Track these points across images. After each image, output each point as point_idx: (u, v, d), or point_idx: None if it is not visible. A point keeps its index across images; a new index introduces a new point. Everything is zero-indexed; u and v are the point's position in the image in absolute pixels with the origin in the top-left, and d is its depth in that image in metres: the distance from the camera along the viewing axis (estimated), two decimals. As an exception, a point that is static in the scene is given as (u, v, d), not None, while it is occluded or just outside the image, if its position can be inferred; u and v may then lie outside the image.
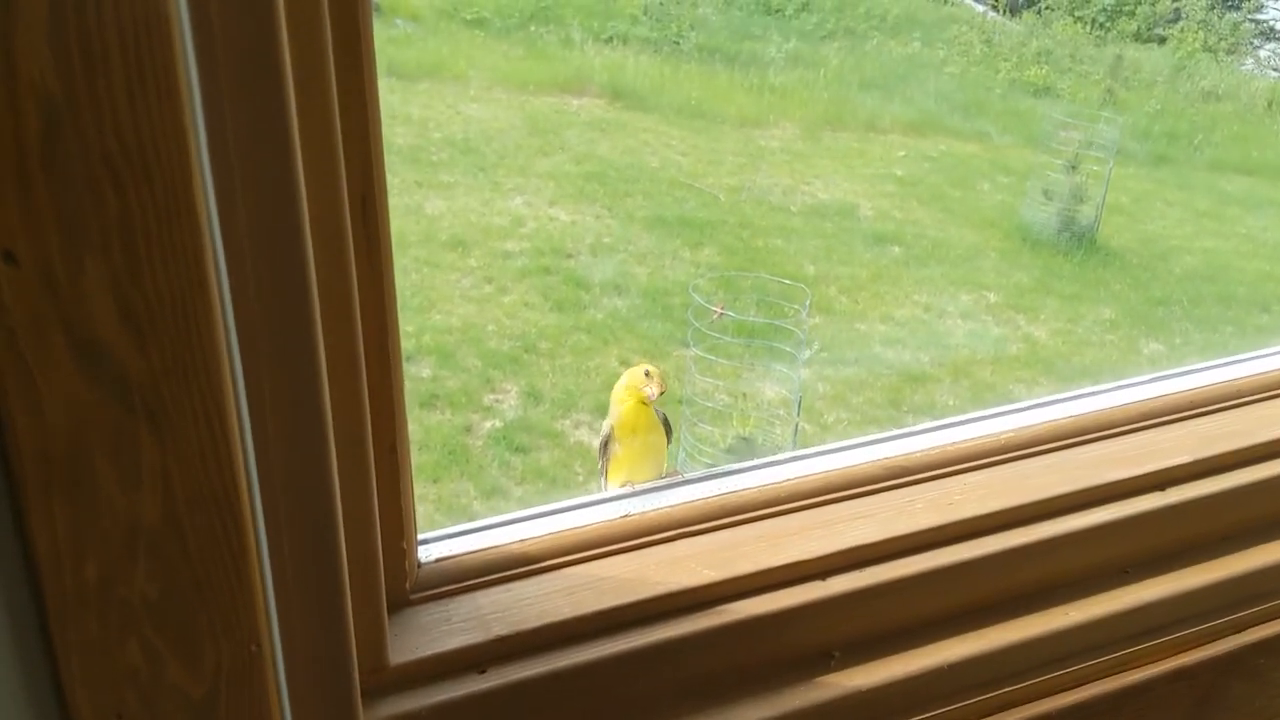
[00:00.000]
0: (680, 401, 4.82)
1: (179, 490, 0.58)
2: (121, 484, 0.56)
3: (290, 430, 0.64)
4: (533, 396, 4.98)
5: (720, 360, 5.02)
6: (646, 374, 1.24)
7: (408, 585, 0.82)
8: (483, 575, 0.85)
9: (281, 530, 0.65)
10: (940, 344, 5.84)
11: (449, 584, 0.84)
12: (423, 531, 0.85)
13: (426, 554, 0.85)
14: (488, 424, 4.82)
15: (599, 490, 1.09)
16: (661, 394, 1.24)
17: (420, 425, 4.68)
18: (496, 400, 4.97)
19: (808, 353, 5.26)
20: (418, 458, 4.42)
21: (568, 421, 4.85)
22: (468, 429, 4.78)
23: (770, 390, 5.15)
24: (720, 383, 5.05)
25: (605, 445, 1.24)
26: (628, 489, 0.98)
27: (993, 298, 6.36)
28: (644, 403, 1.23)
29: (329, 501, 0.67)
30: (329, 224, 0.66)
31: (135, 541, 0.58)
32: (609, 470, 1.23)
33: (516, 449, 4.66)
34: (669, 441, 1.25)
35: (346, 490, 0.70)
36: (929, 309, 6.16)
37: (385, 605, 0.77)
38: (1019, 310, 6.25)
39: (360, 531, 0.74)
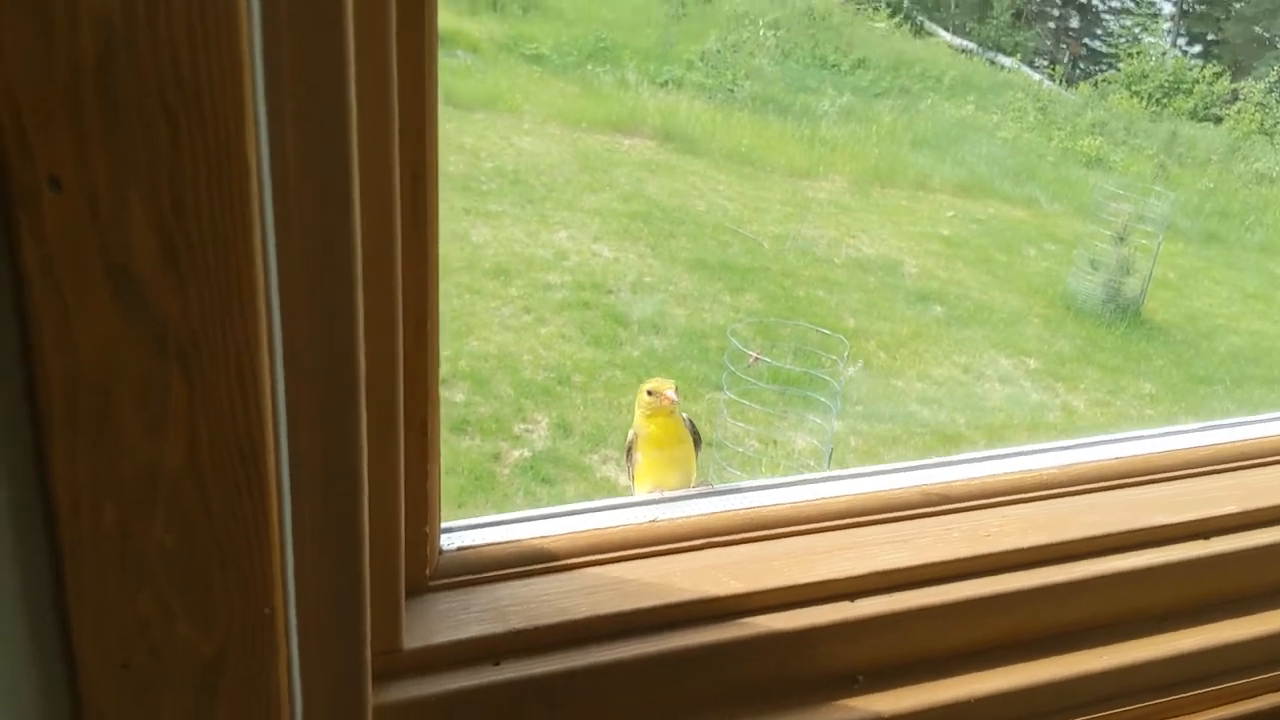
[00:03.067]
0: (710, 444, 4.80)
1: (205, 440, 0.56)
2: (147, 427, 0.55)
3: (322, 392, 0.63)
4: (563, 429, 4.97)
5: (754, 406, 5.00)
6: (650, 393, 1.23)
7: (428, 571, 0.80)
8: (504, 568, 0.83)
9: (304, 493, 0.64)
10: (977, 406, 5.79)
11: (469, 573, 0.82)
12: (445, 521, 0.84)
13: (449, 542, 0.83)
14: (516, 453, 4.81)
15: (627, 495, 1.07)
16: (672, 398, 1.22)
17: (450, 449, 4.68)
18: (527, 430, 4.97)
19: (851, 373, 5.21)
20: (445, 481, 4.40)
21: (596, 456, 4.83)
22: (496, 456, 4.77)
23: (801, 440, 5.12)
24: (752, 428, 5.02)
25: (629, 452, 1.23)
26: (657, 494, 0.97)
27: (1033, 364, 6.31)
28: (667, 415, 1.22)
29: (355, 468, 0.65)
30: (378, 192, 0.65)
31: (156, 489, 0.57)
32: (635, 477, 1.21)
33: (543, 480, 4.65)
34: (698, 450, 1.23)
35: (373, 462, 0.69)
36: (968, 370, 6.12)
37: (403, 588, 0.76)
38: (1059, 378, 6.20)
39: (384, 508, 0.72)
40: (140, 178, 0.51)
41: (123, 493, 0.56)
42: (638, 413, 1.25)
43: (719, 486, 0.98)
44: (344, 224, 0.60)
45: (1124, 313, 6.87)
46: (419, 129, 0.67)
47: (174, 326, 0.54)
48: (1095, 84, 11.95)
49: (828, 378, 5.19)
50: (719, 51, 9.93)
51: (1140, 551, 0.95)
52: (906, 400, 5.76)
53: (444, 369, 5.10)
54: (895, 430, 5.53)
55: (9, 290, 0.51)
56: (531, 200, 6.98)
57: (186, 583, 0.59)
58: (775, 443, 5.12)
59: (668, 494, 0.95)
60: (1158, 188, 8.04)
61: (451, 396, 5.01)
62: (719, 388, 5.15)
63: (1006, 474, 1.00)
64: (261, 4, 0.53)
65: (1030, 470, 1.00)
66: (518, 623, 0.79)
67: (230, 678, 0.61)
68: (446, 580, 0.81)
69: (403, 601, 0.76)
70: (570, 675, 0.78)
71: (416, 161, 0.68)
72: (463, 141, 7.64)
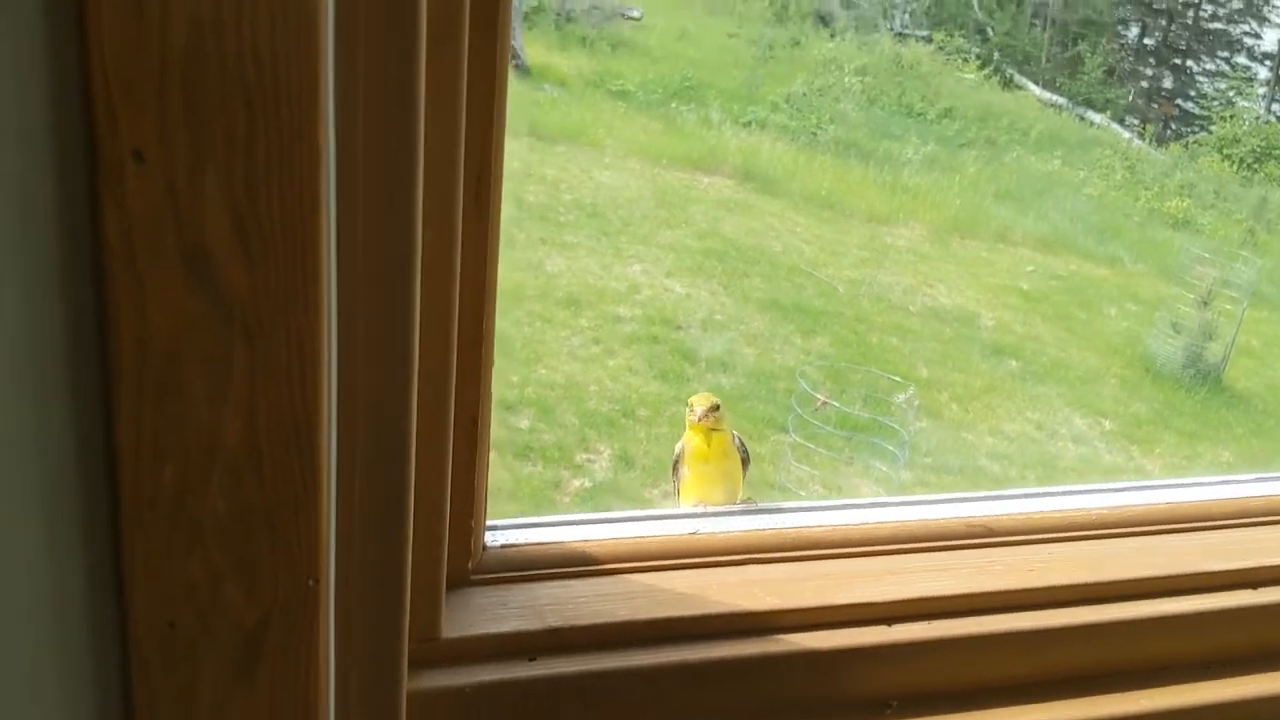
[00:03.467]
0: (773, 487, 4.77)
1: (262, 413, 0.59)
2: (209, 398, 0.58)
3: (376, 377, 0.65)
4: (624, 461, 4.98)
5: (819, 450, 4.97)
6: (690, 407, 1.25)
7: (470, 565, 0.82)
8: (545, 568, 0.85)
9: (353, 476, 0.66)
10: (1048, 464, 5.69)
11: (511, 570, 0.84)
12: (492, 518, 0.86)
13: (493, 539, 0.85)
14: (577, 482, 4.83)
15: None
16: (713, 410, 1.24)
17: (512, 475, 4.71)
18: (588, 460, 4.99)
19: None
20: (506, 505, 4.45)
21: (656, 491, 4.83)
22: (557, 484, 4.79)
23: (867, 488, 5.06)
24: (817, 473, 4.99)
25: (675, 467, 1.24)
26: (700, 509, 0.98)
27: (1108, 425, 6.19)
28: (711, 429, 1.23)
29: (403, 457, 0.67)
30: (441, 190, 0.68)
31: (213, 457, 0.59)
32: (680, 492, 1.23)
33: (602, 510, 4.64)
34: (746, 469, 1.24)
35: (422, 454, 0.71)
36: (1041, 428, 6.02)
37: (445, 579, 0.78)
38: (1134, 441, 6.07)
39: (430, 499, 0.75)
40: (217, 158, 0.54)
41: (182, 457, 0.59)
42: (686, 426, 1.26)
43: (762, 504, 0.98)
44: (406, 217, 0.63)
45: (1204, 378, 6.72)
46: (485, 130, 0.70)
47: (241, 303, 0.56)
48: (1186, 145, 11.76)
49: (897, 426, 5.14)
50: (804, 95, 9.96)
51: (1186, 597, 0.94)
52: (976, 454, 5.68)
53: (511, 395, 5.15)
54: (963, 483, 5.45)
55: (89, 257, 0.55)
56: (607, 233, 7.03)
57: (235, 549, 0.61)
58: (840, 489, 5.08)
59: (710, 508, 0.97)
60: (1245, 253, 7.88)
61: (517, 422, 5.05)
62: (785, 429, 5.13)
63: (1055, 511, 0.99)
64: (338, 4, 0.56)
65: (1080, 509, 1.00)
66: (554, 621, 0.81)
67: (272, 645, 0.64)
68: (488, 575, 0.83)
69: (444, 592, 0.78)
70: (602, 677, 0.80)
71: (482, 162, 0.71)
72: (544, 173, 7.74)
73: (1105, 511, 1.00)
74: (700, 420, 1.23)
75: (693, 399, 1.25)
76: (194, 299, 0.56)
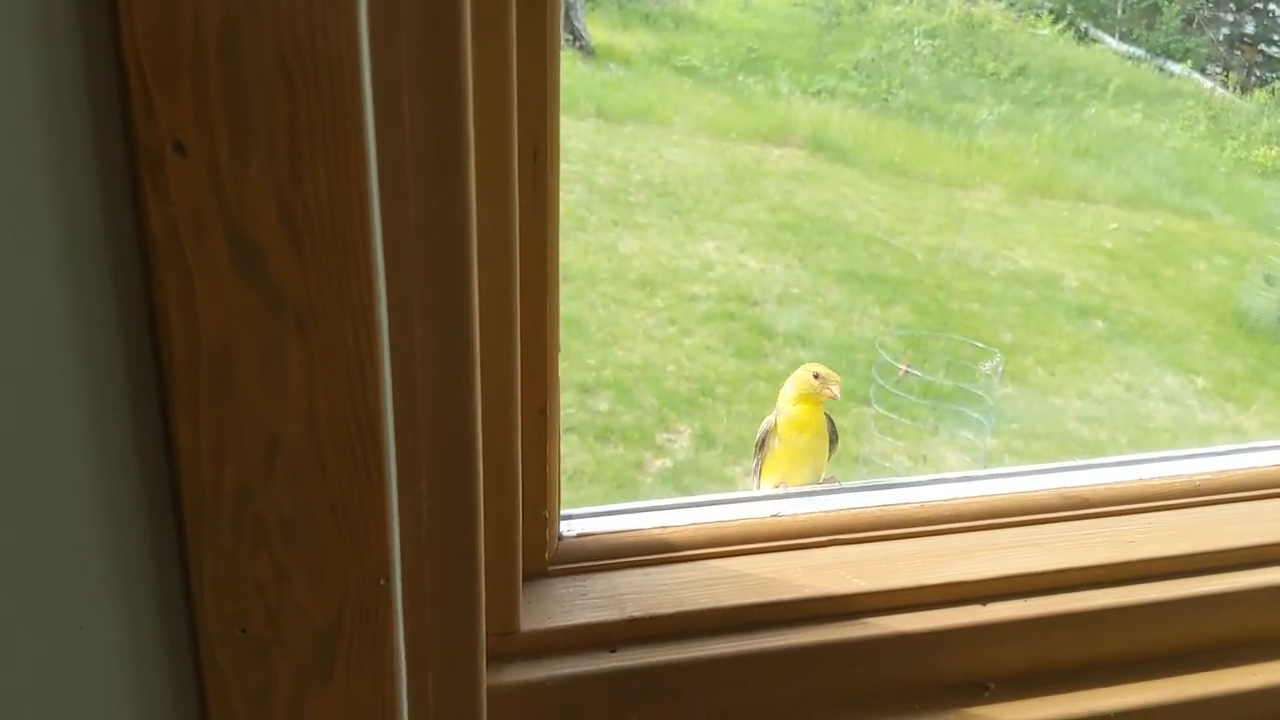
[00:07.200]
0: (857, 460, 4.71)
1: (321, 407, 0.57)
2: (267, 393, 0.56)
3: (437, 367, 0.63)
4: (705, 440, 4.95)
5: (903, 420, 4.89)
6: (816, 376, 1.20)
7: (547, 555, 0.80)
8: (623, 556, 0.83)
9: (420, 470, 0.64)
10: (1140, 426, 5.53)
11: (588, 560, 0.82)
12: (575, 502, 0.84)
13: (569, 529, 0.83)
14: (658, 463, 4.81)
15: (751, 490, 1.05)
16: (836, 394, 1.20)
17: (593, 457, 4.72)
18: (669, 440, 4.97)
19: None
20: (588, 489, 4.45)
21: (738, 469, 4.80)
22: (639, 465, 4.78)
23: (953, 458, 4.97)
24: (901, 444, 4.91)
25: (763, 442, 1.21)
26: (781, 490, 0.95)
27: (1201, 383, 6.00)
28: (817, 404, 1.19)
29: (470, 448, 0.65)
30: (496, 169, 0.65)
31: (275, 454, 0.58)
32: (764, 468, 1.19)
33: (684, 490, 4.63)
34: (833, 449, 1.20)
35: (490, 446, 0.69)
36: (1131, 388, 5.86)
37: (521, 570, 0.76)
38: (1229, 399, 5.88)
39: (501, 491, 0.73)
40: (259, 144, 0.52)
41: (243, 458, 0.57)
42: (789, 394, 1.21)
43: (846, 484, 0.95)
44: (460, 202, 0.60)
45: (1301, 331, 6.50)
46: (540, 105, 0.67)
47: (292, 293, 0.55)
48: (1272, 91, 11.34)
49: (981, 393, 5.04)
50: (873, 60, 9.78)
51: (1302, 564, 0.89)
52: (1065, 418, 5.54)
53: (589, 378, 5.15)
54: (1052, 449, 5.33)
55: (136, 254, 0.53)
56: (679, 211, 6.99)
57: (303, 549, 0.59)
58: (925, 459, 5.00)
59: (792, 489, 0.93)
60: (1341, 200, 7.60)
61: (596, 405, 5.05)
62: (866, 401, 5.05)
63: (1154, 479, 0.94)
64: (379, -24, 0.54)
65: (1179, 476, 0.95)
66: (634, 611, 0.78)
67: (345, 646, 0.62)
68: (565, 566, 0.81)
69: (520, 584, 0.76)
70: (686, 666, 0.77)
71: (538, 138, 0.68)
72: (612, 154, 7.71)
73: (1208, 476, 0.95)
74: (832, 399, 1.19)
75: (822, 370, 1.21)
76: (244, 292, 0.54)
